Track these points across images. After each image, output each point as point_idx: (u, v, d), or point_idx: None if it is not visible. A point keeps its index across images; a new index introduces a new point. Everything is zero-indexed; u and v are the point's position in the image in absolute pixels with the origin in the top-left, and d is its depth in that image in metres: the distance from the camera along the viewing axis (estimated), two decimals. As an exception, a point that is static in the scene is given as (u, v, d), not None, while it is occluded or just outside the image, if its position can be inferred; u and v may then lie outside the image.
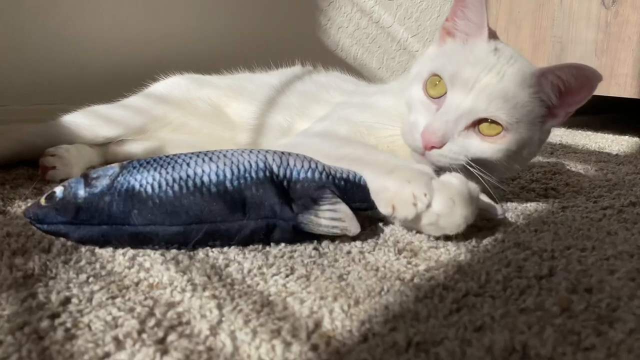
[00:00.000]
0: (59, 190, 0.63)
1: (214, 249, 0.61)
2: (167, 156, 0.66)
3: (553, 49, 1.73)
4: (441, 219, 0.64)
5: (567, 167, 1.20)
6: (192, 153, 0.66)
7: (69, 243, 0.61)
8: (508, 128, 0.72)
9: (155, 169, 0.63)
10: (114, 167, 0.64)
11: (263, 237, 0.63)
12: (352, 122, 0.86)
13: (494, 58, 0.73)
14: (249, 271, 0.56)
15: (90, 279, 0.53)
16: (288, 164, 0.66)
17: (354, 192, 0.68)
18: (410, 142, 0.75)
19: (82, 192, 0.61)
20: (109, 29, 1.30)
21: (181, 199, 0.61)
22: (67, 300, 0.48)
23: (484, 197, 0.73)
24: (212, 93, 1.04)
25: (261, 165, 0.65)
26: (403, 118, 0.79)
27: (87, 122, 0.97)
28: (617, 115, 2.27)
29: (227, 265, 0.58)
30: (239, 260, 0.59)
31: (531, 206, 0.86)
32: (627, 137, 1.72)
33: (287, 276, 0.56)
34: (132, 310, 0.47)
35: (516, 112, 0.72)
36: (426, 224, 0.66)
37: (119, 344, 0.42)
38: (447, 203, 0.63)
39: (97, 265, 0.56)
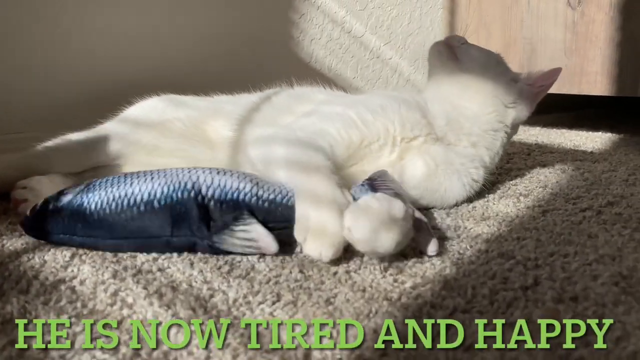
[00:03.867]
0: (39, 203, 0.73)
1: (197, 280, 0.61)
2: (123, 175, 0.73)
3: (524, 50, 1.75)
4: (366, 244, 0.63)
5: (545, 168, 1.21)
6: (143, 172, 0.72)
7: (48, 282, 0.60)
8: None
9: (104, 188, 0.70)
10: (81, 185, 0.73)
11: (188, 250, 0.69)
12: (343, 117, 0.87)
13: None
14: (235, 301, 0.56)
15: (72, 319, 0.51)
16: (219, 185, 0.69)
17: (277, 213, 0.68)
18: None
19: (51, 206, 0.71)
20: (79, 55, 1.28)
21: (115, 216, 0.68)
22: (48, 345, 0.47)
23: (425, 225, 0.69)
24: (190, 113, 1.03)
25: (189, 185, 0.69)
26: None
27: (61, 151, 0.95)
28: (589, 111, 2.31)
29: (211, 296, 0.57)
30: (224, 290, 0.58)
31: (512, 212, 0.87)
32: (600, 133, 1.75)
33: (273, 303, 0.55)
34: (117, 351, 0.46)
35: None
36: (357, 247, 0.65)
37: (104, 390, 0.41)
38: (367, 230, 0.62)
39: (79, 304, 0.55)
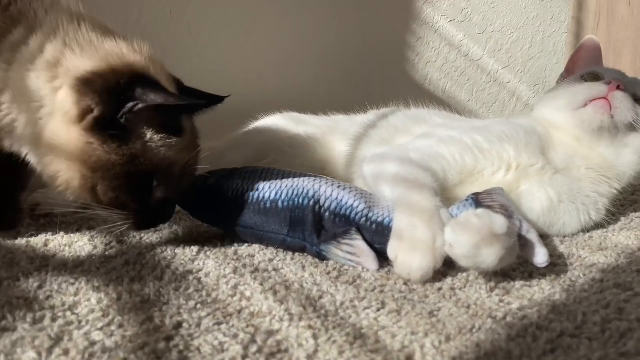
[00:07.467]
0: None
1: (308, 282, 0.65)
2: (261, 169, 0.82)
3: (657, 76, 1.63)
4: (468, 260, 0.63)
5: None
6: (276, 170, 0.81)
7: (178, 272, 0.67)
8: None
9: (241, 178, 0.80)
10: (225, 171, 0.82)
11: (299, 251, 0.75)
12: (459, 142, 0.86)
13: None
14: (342, 304, 0.59)
15: (198, 306, 0.58)
16: (336, 198, 0.74)
17: (383, 235, 0.71)
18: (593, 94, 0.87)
19: (198, 185, 0.80)
20: (209, 73, 1.40)
21: (245, 206, 0.77)
22: (179, 325, 0.53)
23: (534, 236, 0.68)
24: (309, 130, 1.09)
25: (310, 193, 0.75)
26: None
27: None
28: None
29: (320, 297, 0.61)
30: (332, 293, 0.62)
31: (634, 244, 0.82)
32: None
33: (378, 310, 0.58)
34: (236, 336, 0.51)
35: None
36: (460, 263, 0.65)
37: (225, 367, 0.46)
38: (468, 246, 0.62)
39: (204, 293, 0.61)
